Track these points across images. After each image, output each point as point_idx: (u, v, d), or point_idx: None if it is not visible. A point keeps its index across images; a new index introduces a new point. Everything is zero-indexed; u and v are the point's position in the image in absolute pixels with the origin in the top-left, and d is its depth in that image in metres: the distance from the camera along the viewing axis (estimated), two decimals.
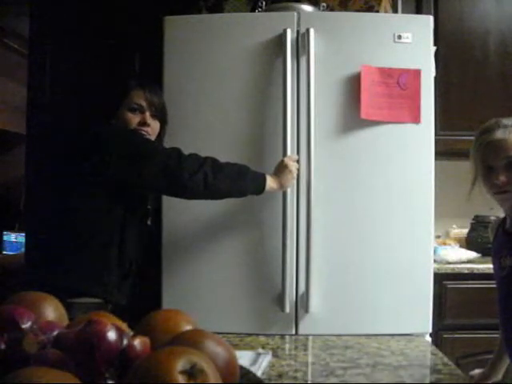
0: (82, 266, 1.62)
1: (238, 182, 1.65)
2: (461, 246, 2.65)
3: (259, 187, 1.68)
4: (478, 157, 1.51)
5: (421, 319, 1.79)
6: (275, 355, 1.30)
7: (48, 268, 1.63)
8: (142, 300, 1.83)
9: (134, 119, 1.75)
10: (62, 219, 1.68)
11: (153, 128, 1.78)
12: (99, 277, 1.64)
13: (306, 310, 1.79)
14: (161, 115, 1.80)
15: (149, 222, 1.90)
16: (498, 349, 1.63)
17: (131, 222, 1.71)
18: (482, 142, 1.50)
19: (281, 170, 1.73)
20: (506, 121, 1.50)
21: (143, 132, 1.75)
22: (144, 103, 1.76)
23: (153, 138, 1.79)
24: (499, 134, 1.48)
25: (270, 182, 1.69)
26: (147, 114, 1.76)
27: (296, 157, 1.79)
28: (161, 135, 1.83)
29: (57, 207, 1.72)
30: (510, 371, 1.54)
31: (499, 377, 1.60)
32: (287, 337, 1.63)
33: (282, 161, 1.74)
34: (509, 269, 1.48)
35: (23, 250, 2.96)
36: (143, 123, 1.75)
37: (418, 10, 2.63)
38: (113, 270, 1.67)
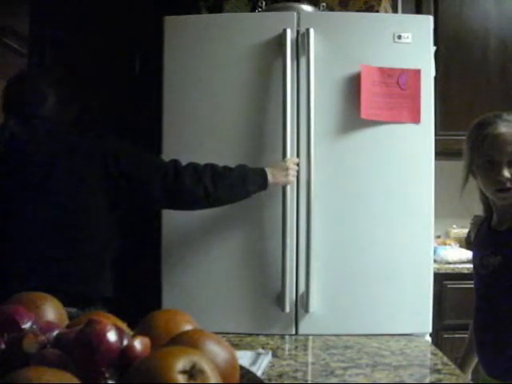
0: (82, 270, 1.58)
1: (239, 187, 1.65)
2: (461, 246, 2.66)
3: (262, 185, 1.68)
4: (477, 151, 1.42)
5: (421, 319, 1.79)
6: (275, 355, 1.30)
7: (44, 271, 1.56)
8: (141, 299, 1.83)
9: None
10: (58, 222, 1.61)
11: None
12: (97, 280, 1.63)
13: (306, 310, 1.79)
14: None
15: None
16: (466, 347, 1.61)
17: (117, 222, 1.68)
18: (485, 135, 1.40)
19: (276, 165, 1.73)
20: (506, 115, 1.43)
21: None
22: None
23: None
24: (503, 128, 1.40)
25: (270, 175, 1.69)
26: None
27: (297, 160, 1.79)
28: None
29: (50, 211, 1.62)
30: (479, 370, 1.51)
31: (468, 376, 1.57)
32: (287, 337, 1.63)
33: (284, 161, 1.75)
34: (492, 268, 1.42)
35: None
36: None
37: (418, 10, 2.63)
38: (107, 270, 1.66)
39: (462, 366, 1.58)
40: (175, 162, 1.60)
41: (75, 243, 1.59)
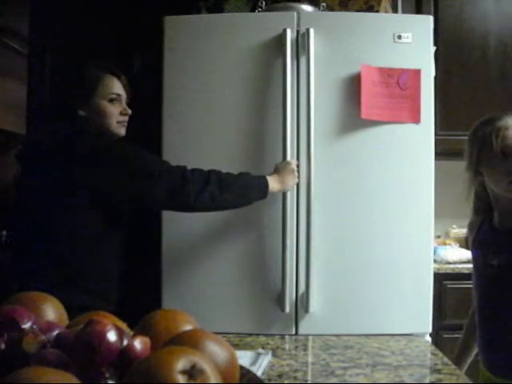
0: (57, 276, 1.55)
1: (243, 194, 1.65)
2: (461, 246, 2.66)
3: (263, 194, 1.68)
4: (487, 145, 1.43)
5: (421, 319, 1.79)
6: (275, 355, 1.30)
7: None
8: (141, 300, 1.83)
9: (116, 110, 1.69)
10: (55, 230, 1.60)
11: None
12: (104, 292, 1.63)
13: (306, 310, 1.79)
14: (130, 101, 1.76)
15: None
16: (460, 347, 1.64)
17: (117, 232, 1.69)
18: (497, 128, 1.42)
19: (283, 169, 1.73)
20: (510, 113, 1.46)
21: (124, 123, 1.72)
22: (121, 91, 1.72)
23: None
24: (511, 121, 1.43)
25: (272, 184, 1.69)
26: (124, 102, 1.73)
27: (296, 162, 1.78)
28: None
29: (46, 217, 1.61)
30: (479, 369, 1.53)
31: (463, 371, 1.59)
32: (287, 337, 1.63)
33: (289, 163, 1.75)
34: (498, 266, 1.44)
35: None
36: (124, 113, 1.71)
37: (418, 10, 2.64)
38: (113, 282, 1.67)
39: (456, 365, 1.59)
40: (183, 168, 1.59)
41: (54, 249, 1.58)
